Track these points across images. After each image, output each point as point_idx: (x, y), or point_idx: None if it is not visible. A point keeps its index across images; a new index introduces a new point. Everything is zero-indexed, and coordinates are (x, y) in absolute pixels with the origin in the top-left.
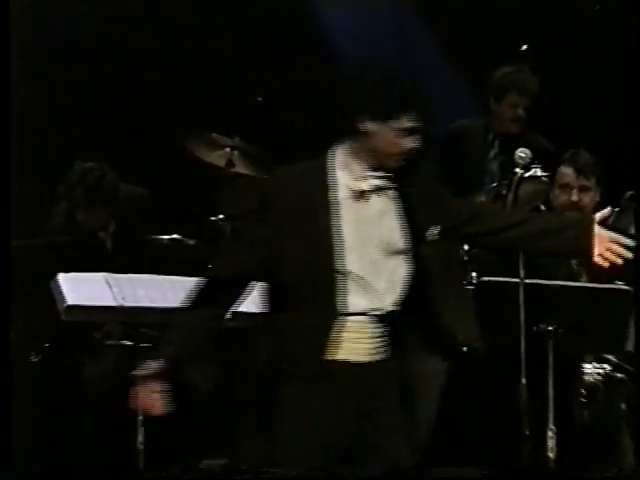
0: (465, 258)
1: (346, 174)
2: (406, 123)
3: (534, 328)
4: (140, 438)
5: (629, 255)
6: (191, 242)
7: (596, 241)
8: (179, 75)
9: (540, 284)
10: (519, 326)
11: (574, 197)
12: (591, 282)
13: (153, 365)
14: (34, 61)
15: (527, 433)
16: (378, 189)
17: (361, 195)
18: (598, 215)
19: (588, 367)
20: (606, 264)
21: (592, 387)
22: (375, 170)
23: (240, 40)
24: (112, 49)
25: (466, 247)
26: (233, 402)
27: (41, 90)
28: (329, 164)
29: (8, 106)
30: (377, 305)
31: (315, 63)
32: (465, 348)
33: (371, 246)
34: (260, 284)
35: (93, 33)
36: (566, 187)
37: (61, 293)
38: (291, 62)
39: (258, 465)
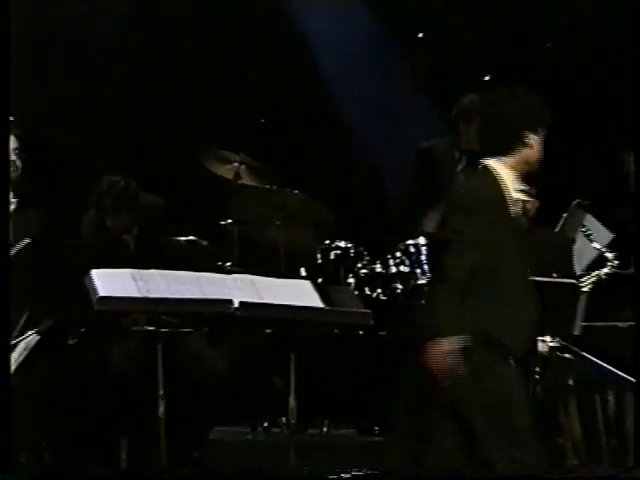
0: None
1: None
2: (543, 132)
3: None
4: (161, 409)
5: None
6: (204, 242)
7: None
8: (196, 102)
9: None
10: None
11: (530, 206)
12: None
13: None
14: (65, 92)
15: None
16: (527, 196)
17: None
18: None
19: (547, 339)
20: None
21: (545, 357)
22: (522, 180)
23: (249, 72)
24: (137, 79)
25: None
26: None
27: (73, 119)
28: (499, 178)
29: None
30: None
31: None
32: None
33: None
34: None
35: (116, 60)
36: None
37: (94, 286)
38: (289, 87)
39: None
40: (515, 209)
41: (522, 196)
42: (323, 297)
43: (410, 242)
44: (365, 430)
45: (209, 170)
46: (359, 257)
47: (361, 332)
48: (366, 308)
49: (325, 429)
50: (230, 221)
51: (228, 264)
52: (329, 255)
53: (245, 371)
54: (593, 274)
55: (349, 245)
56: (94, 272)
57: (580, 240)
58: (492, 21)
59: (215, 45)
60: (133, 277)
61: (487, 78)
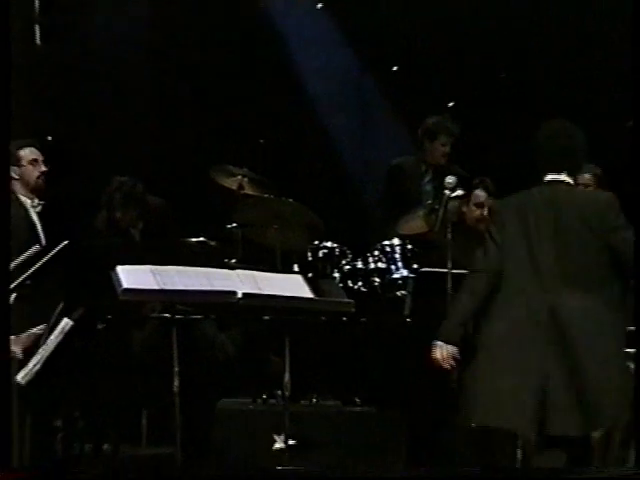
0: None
1: None
2: None
3: None
4: (176, 383)
5: None
6: (212, 243)
7: None
8: (209, 123)
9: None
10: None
11: (485, 212)
12: None
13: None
14: (78, 102)
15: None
16: None
17: None
18: None
19: None
20: None
21: None
22: None
23: (252, 98)
24: (152, 95)
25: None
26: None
27: (83, 132)
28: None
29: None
30: None
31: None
32: None
33: None
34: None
35: (131, 79)
36: (480, 205)
37: (119, 279)
38: (286, 113)
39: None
40: None
41: None
42: (313, 289)
43: (386, 243)
44: (348, 401)
45: (217, 182)
46: (343, 255)
47: (345, 319)
48: (349, 298)
49: (314, 400)
50: (235, 225)
51: (233, 261)
52: (318, 254)
53: (247, 352)
54: None
55: (335, 245)
56: (119, 268)
57: None
58: (453, 54)
59: (224, 74)
60: (152, 272)
61: (450, 104)
